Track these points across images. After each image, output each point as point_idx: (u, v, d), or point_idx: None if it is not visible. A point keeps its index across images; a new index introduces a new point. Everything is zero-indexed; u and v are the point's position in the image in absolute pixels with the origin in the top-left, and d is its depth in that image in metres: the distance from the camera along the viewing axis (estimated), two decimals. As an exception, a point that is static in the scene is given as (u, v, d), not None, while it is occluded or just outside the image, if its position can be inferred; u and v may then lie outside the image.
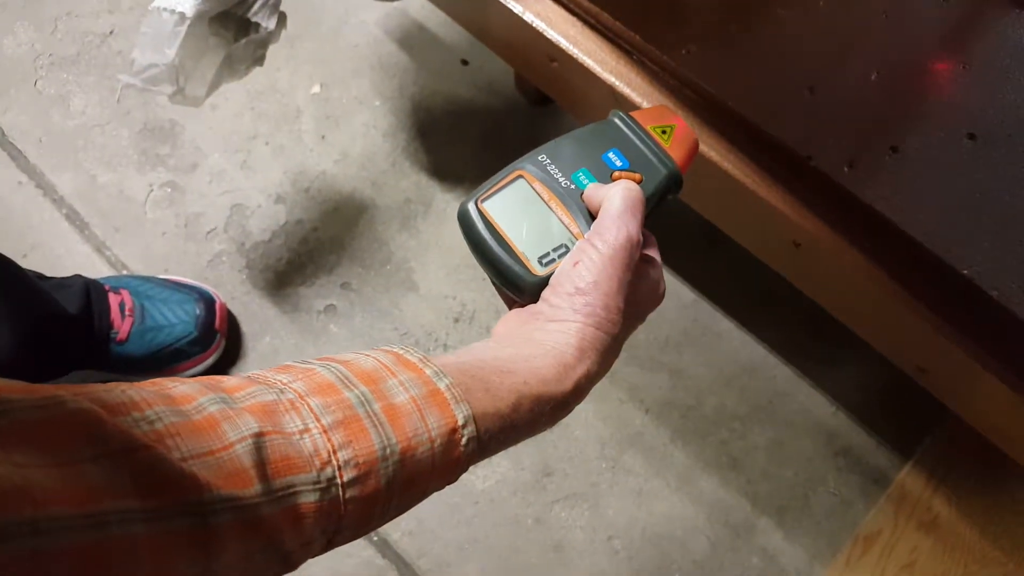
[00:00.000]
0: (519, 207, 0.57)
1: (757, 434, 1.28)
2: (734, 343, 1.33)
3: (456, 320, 1.33)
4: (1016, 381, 0.75)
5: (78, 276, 1.21)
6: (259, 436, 0.39)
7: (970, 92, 0.82)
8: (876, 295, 0.79)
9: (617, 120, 0.60)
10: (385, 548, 1.21)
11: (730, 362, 1.32)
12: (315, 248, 1.37)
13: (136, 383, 0.39)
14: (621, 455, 1.27)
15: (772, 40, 0.87)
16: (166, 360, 1.22)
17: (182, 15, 0.89)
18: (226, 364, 1.29)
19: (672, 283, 1.35)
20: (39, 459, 0.31)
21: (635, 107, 0.86)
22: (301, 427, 0.41)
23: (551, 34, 0.90)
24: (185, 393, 0.40)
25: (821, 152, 0.79)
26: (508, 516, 1.24)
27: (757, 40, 0.87)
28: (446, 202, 1.40)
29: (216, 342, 1.25)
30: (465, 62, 1.50)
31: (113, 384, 0.38)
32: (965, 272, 0.73)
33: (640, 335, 1.39)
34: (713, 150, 0.83)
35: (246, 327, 1.32)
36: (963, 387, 0.83)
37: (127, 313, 1.19)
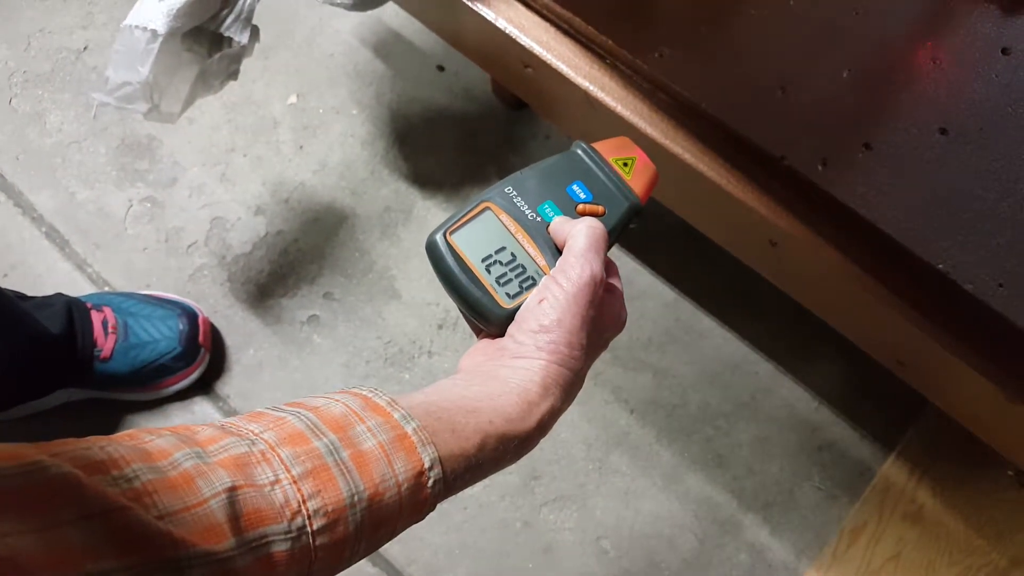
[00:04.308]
0: (487, 239, 0.58)
1: (742, 431, 1.29)
2: (716, 341, 1.34)
3: (440, 327, 1.33)
4: (993, 372, 0.76)
5: (60, 295, 1.20)
6: (232, 491, 0.41)
7: (941, 87, 0.83)
8: (852, 291, 0.80)
9: (580, 152, 0.62)
10: (375, 556, 1.21)
11: (713, 360, 1.33)
12: (296, 259, 1.37)
13: (113, 437, 0.41)
14: (607, 456, 1.27)
15: (743, 41, 0.88)
16: (151, 376, 1.22)
17: (154, 32, 0.89)
18: (211, 378, 1.29)
19: (653, 283, 1.36)
20: (23, 525, 0.33)
21: (609, 111, 0.86)
22: (272, 479, 0.43)
23: (524, 40, 0.90)
24: (161, 448, 0.41)
25: (794, 151, 0.80)
26: (497, 520, 1.24)
27: (728, 41, 0.88)
28: (426, 209, 1.40)
29: (200, 356, 1.25)
30: (441, 68, 1.51)
31: (92, 440, 0.39)
32: (940, 267, 0.74)
33: (623, 336, 1.39)
34: (688, 152, 0.84)
35: (230, 340, 1.32)
36: (941, 379, 0.83)
37: (110, 330, 1.19)
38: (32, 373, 1.15)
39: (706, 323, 1.35)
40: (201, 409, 1.27)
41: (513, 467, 1.30)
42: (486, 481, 1.26)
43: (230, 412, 1.28)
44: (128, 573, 0.35)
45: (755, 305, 1.33)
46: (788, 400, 1.31)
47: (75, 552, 0.34)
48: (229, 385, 1.30)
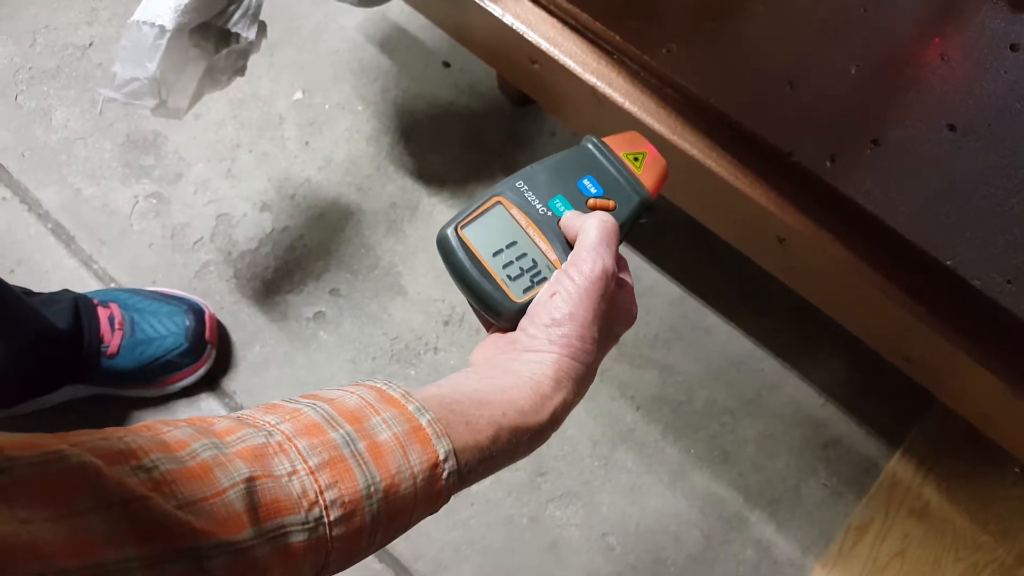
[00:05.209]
0: (498, 233, 0.58)
1: (747, 427, 1.29)
2: (722, 337, 1.34)
3: (446, 323, 1.33)
4: (1000, 368, 0.76)
5: (66, 291, 1.20)
6: (250, 481, 0.41)
7: (949, 84, 0.83)
8: (860, 288, 0.80)
9: (591, 146, 0.62)
10: (382, 552, 1.21)
11: (719, 356, 1.33)
12: (302, 255, 1.37)
13: (131, 428, 0.41)
14: (613, 452, 1.27)
15: (751, 36, 0.88)
16: (157, 372, 1.22)
17: (162, 28, 0.89)
18: (217, 374, 1.29)
19: (659, 280, 1.36)
20: (42, 513, 0.33)
21: (617, 107, 0.86)
22: (289, 469, 0.43)
23: (531, 36, 0.90)
24: (179, 439, 0.41)
25: (803, 147, 0.80)
26: (503, 516, 1.24)
27: (736, 36, 0.88)
28: (432, 205, 1.40)
29: (207, 353, 1.25)
30: (447, 64, 1.50)
31: (110, 431, 0.39)
32: (948, 263, 0.74)
33: (629, 333, 1.39)
34: (695, 148, 0.84)
35: (236, 337, 1.32)
36: (948, 376, 0.83)
37: (117, 327, 1.19)
38: (38, 369, 1.16)
39: (712, 320, 1.35)
40: (207, 405, 1.28)
41: (519, 463, 1.30)
42: (493, 477, 1.26)
43: (236, 408, 1.28)
44: (148, 562, 0.35)
45: (761, 302, 1.33)
46: (794, 397, 1.31)
47: (95, 540, 0.34)
48: (235, 381, 1.30)
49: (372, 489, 0.44)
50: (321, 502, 0.43)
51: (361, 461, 0.45)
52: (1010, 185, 0.77)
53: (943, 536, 1.21)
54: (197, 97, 1.00)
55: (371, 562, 1.20)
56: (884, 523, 1.22)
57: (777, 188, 0.81)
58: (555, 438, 1.33)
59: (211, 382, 1.29)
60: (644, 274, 1.36)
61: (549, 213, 0.58)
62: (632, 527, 1.24)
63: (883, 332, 0.87)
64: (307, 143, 1.44)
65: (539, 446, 0.54)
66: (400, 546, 1.22)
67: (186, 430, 0.42)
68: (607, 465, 1.27)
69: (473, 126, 1.46)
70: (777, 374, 1.32)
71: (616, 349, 1.34)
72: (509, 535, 1.23)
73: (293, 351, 1.31)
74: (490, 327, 0.60)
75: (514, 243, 0.57)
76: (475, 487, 1.25)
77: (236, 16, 0.95)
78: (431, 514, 0.49)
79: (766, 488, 1.26)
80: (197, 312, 1.25)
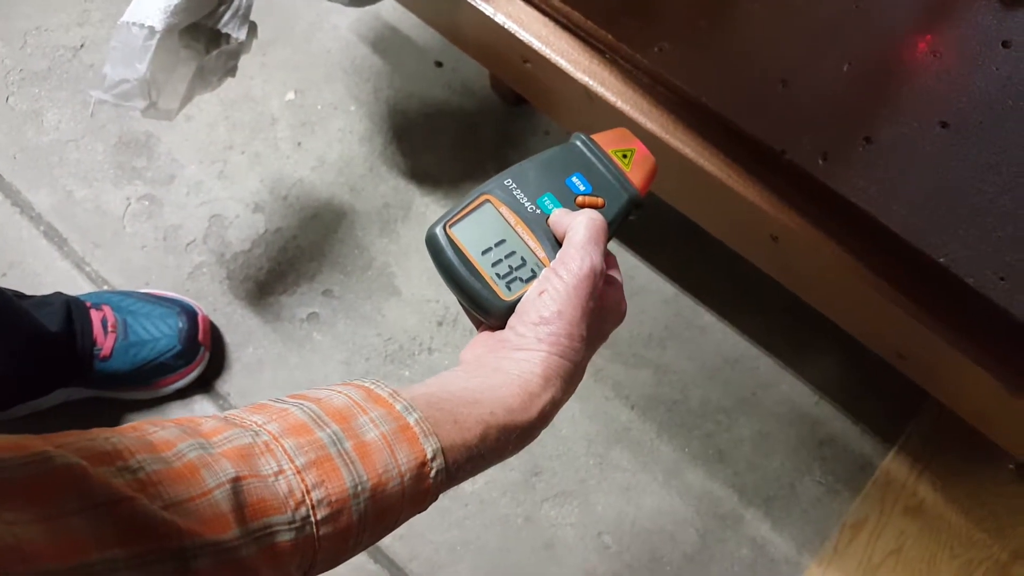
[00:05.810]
0: (486, 232, 0.58)
1: (742, 426, 1.29)
2: (716, 336, 1.34)
3: (439, 323, 1.33)
4: (994, 365, 0.76)
5: (58, 294, 1.20)
6: (236, 481, 0.41)
7: (942, 81, 0.82)
8: (853, 285, 0.80)
9: (579, 143, 0.62)
10: (377, 553, 1.21)
11: (713, 355, 1.33)
12: (295, 256, 1.36)
13: (118, 429, 0.41)
14: (608, 451, 1.27)
15: (744, 34, 0.87)
16: (150, 375, 1.22)
17: (152, 29, 0.88)
18: (211, 376, 1.28)
19: (653, 279, 1.36)
20: (28, 515, 0.33)
21: (609, 106, 0.86)
22: (276, 469, 0.43)
23: (523, 35, 0.90)
24: (165, 439, 0.41)
25: (795, 145, 0.79)
26: (498, 516, 1.24)
27: (729, 35, 0.88)
28: (425, 205, 1.40)
29: (200, 355, 1.25)
30: (439, 64, 1.50)
31: (96, 432, 0.39)
32: (940, 260, 0.74)
33: (623, 332, 1.39)
34: (688, 146, 0.83)
35: (229, 338, 1.31)
36: (942, 373, 0.83)
37: (110, 329, 1.19)
38: (32, 372, 1.15)
39: (706, 318, 1.35)
40: (201, 407, 1.27)
41: (514, 463, 1.30)
42: (487, 477, 1.26)
43: (230, 410, 1.27)
44: (133, 562, 0.35)
45: (755, 300, 1.33)
46: (789, 395, 1.31)
47: (81, 541, 0.34)
48: (229, 383, 1.29)
49: (359, 488, 0.44)
50: (308, 501, 0.43)
51: (348, 460, 0.45)
52: (1003, 182, 0.77)
53: (938, 533, 1.21)
54: (188, 98, 1.00)
55: (367, 563, 1.20)
56: (879, 521, 1.23)
57: (770, 186, 0.81)
58: (550, 438, 1.33)
59: (205, 384, 1.28)
60: (637, 273, 1.36)
61: (538, 211, 0.58)
62: (628, 526, 1.24)
63: (877, 330, 0.87)
64: (300, 144, 1.44)
65: (528, 444, 0.54)
66: (395, 546, 1.21)
67: (173, 430, 0.42)
68: (602, 464, 1.27)
69: (466, 125, 1.46)
70: (772, 373, 1.32)
71: (610, 348, 1.34)
72: (504, 535, 1.23)
73: (287, 352, 1.31)
74: (480, 325, 0.60)
75: (503, 241, 0.57)
76: (470, 487, 1.24)
77: (226, 17, 0.94)
78: (419, 513, 0.49)
79: (761, 486, 1.26)
80: (190, 314, 1.25)
